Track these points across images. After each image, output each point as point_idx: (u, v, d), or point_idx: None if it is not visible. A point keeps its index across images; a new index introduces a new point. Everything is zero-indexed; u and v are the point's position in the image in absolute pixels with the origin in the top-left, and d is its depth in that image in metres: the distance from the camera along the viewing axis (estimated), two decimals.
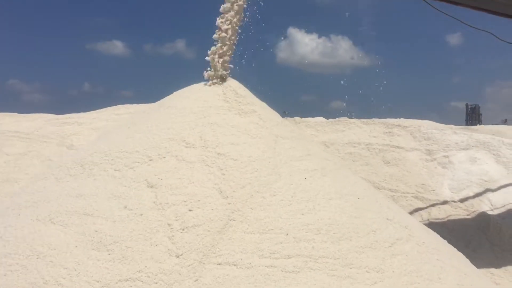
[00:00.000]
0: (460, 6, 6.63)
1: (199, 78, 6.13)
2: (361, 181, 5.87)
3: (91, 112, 12.17)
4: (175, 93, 6.13)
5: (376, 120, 10.86)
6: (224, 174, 4.62)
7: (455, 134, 9.60)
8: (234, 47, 6.21)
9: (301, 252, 4.04)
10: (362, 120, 10.99)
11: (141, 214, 4.23)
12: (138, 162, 4.88)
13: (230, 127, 5.23)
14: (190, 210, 4.24)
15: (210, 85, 5.92)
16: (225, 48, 6.11)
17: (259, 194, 4.49)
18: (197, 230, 4.08)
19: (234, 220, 4.22)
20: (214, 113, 5.39)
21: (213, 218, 4.19)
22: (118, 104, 12.62)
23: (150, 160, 4.88)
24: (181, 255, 3.92)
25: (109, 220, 4.21)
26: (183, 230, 4.08)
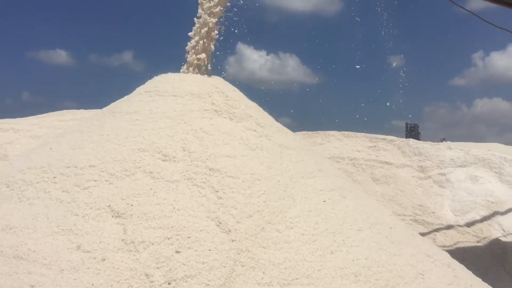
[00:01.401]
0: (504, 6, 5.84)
1: None
2: (377, 203, 4.74)
3: (30, 117, 10.34)
4: (133, 94, 4.67)
5: (358, 133, 9.91)
6: (221, 198, 3.32)
7: (449, 150, 8.78)
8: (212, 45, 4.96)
9: None
10: (342, 132, 10.00)
11: (104, 260, 2.83)
12: (95, 181, 3.48)
13: (222, 134, 3.94)
14: (177, 252, 2.90)
15: (188, 69, 4.68)
16: (204, 42, 4.87)
17: (272, 227, 3.23)
18: (190, 284, 2.73)
19: (242, 266, 2.91)
20: (198, 117, 4.08)
21: (212, 263, 2.86)
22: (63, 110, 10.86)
23: (113, 177, 3.49)
24: None
25: (53, 269, 2.78)
26: (169, 284, 2.72)
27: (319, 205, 3.64)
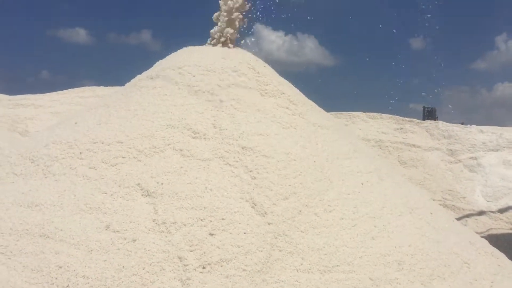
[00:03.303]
0: None
1: None
2: (415, 186, 4.53)
3: (51, 93, 10.19)
4: (161, 62, 4.47)
5: (383, 114, 9.57)
6: (255, 178, 3.13)
7: (481, 133, 8.42)
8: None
9: None
10: (368, 113, 9.66)
11: (134, 240, 2.68)
12: (123, 157, 3.32)
13: (254, 111, 3.74)
14: (211, 235, 2.73)
15: (214, 45, 4.46)
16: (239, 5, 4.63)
17: (310, 210, 3.04)
18: (225, 269, 2.57)
19: (280, 251, 2.74)
20: (228, 93, 3.87)
21: (248, 247, 2.69)
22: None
23: (141, 154, 3.33)
24: None
25: (81, 249, 2.65)
26: (203, 268, 2.56)
27: (357, 188, 3.43)
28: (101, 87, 10.86)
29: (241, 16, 4.67)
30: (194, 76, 3.85)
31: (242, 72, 4.09)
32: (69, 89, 10.60)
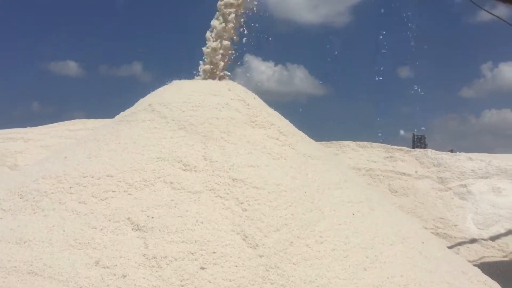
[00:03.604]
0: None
1: None
2: (406, 215, 4.54)
3: (41, 127, 10.18)
4: (150, 97, 4.49)
5: (373, 143, 9.67)
6: (246, 210, 3.13)
7: (470, 161, 8.52)
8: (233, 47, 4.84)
9: None
10: (357, 142, 9.76)
11: (124, 276, 2.64)
12: (113, 191, 3.31)
13: (244, 143, 3.77)
14: (202, 269, 2.71)
15: (203, 78, 4.53)
16: (225, 43, 4.72)
17: (301, 241, 3.03)
18: None
19: (272, 284, 2.72)
20: (218, 125, 3.89)
21: (240, 281, 2.67)
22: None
23: (131, 188, 3.32)
24: None
25: (70, 286, 2.60)
26: None
27: (348, 218, 3.44)
28: (92, 119, 10.88)
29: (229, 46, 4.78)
30: (183, 111, 3.88)
31: (232, 105, 4.13)
32: (59, 122, 10.60)
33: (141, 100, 4.34)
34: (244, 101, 4.21)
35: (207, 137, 3.73)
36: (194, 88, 4.27)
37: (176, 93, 4.22)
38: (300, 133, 4.41)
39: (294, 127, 4.52)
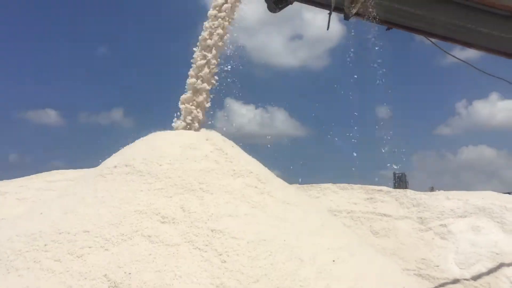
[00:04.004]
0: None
1: None
2: (387, 259, 4.55)
3: (18, 179, 9.99)
4: (128, 149, 4.50)
5: (354, 185, 9.75)
6: (225, 262, 3.10)
7: (448, 200, 8.59)
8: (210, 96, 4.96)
9: None
10: (338, 184, 9.81)
11: None
12: (90, 247, 3.25)
13: (222, 192, 3.78)
14: None
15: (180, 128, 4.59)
16: (203, 97, 4.83)
17: None
18: None
19: None
20: (197, 176, 3.92)
21: None
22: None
23: (108, 243, 3.27)
24: None
25: None
26: None
27: (329, 265, 3.43)
28: (71, 170, 10.70)
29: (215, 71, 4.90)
30: (160, 165, 3.90)
31: (210, 156, 4.16)
32: (37, 174, 10.38)
33: (119, 153, 4.36)
34: (222, 151, 4.25)
35: (185, 188, 3.73)
36: (171, 141, 4.30)
37: (153, 147, 4.25)
38: (279, 179, 4.45)
39: (272, 173, 4.57)
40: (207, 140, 4.31)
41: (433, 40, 5.78)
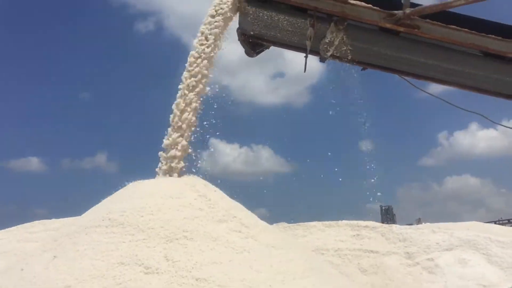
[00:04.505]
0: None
1: None
2: None
3: None
4: (110, 199, 4.48)
5: (340, 222, 9.74)
6: None
7: (433, 233, 8.66)
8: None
9: None
10: (324, 222, 9.80)
11: None
12: None
13: (206, 239, 3.76)
14: None
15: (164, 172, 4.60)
16: (186, 141, 4.87)
17: None
18: None
19: None
20: (180, 224, 3.90)
21: None
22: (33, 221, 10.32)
23: None
24: None
25: None
26: None
27: None
28: (53, 219, 10.50)
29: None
30: (142, 216, 3.88)
31: (194, 204, 4.15)
32: (17, 226, 10.18)
33: (100, 205, 4.33)
34: (205, 197, 4.25)
35: (169, 237, 3.70)
36: (152, 190, 4.28)
37: (134, 198, 4.21)
38: (262, 223, 4.45)
39: (256, 217, 4.56)
40: (189, 186, 4.32)
41: (407, 79, 5.99)
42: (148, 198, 4.07)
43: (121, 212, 3.92)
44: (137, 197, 4.13)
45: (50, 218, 10.95)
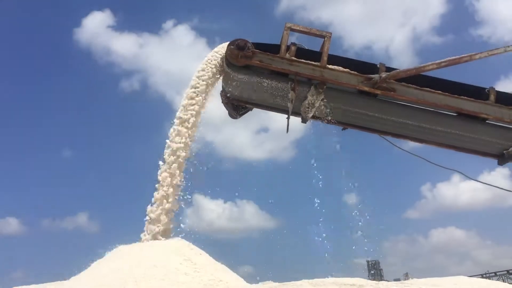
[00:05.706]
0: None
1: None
2: None
3: None
4: (89, 271, 4.37)
5: (326, 280, 9.56)
6: None
7: None
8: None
9: None
10: (311, 281, 9.62)
11: None
12: None
13: None
14: None
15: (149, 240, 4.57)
16: (170, 203, 4.91)
17: None
18: None
19: None
20: None
21: None
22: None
23: None
24: None
25: None
26: None
27: None
28: (33, 285, 10.16)
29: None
30: (127, 279, 3.83)
31: (179, 268, 4.11)
32: None
33: (80, 275, 4.27)
34: (191, 261, 4.23)
35: None
36: (136, 259, 4.21)
37: (117, 269, 4.12)
38: (249, 286, 4.42)
39: (243, 280, 4.54)
40: (174, 250, 4.30)
41: (386, 137, 6.19)
42: (133, 267, 4.00)
43: (106, 284, 3.85)
44: (121, 268, 4.04)
45: (29, 283, 10.60)
